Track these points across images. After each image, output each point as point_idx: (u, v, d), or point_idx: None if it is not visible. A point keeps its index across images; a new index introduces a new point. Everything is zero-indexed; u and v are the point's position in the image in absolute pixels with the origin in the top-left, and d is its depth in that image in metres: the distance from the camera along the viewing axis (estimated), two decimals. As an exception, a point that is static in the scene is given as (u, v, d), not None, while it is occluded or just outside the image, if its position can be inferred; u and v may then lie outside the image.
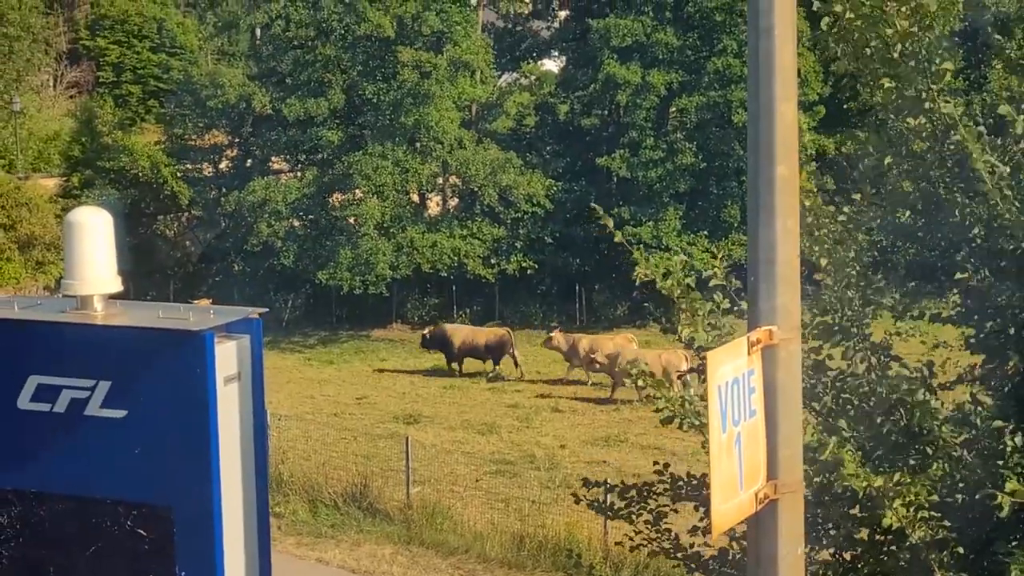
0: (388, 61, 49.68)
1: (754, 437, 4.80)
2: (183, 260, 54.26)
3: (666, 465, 10.50)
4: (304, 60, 50.04)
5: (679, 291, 8.43)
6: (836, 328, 8.23)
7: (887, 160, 8.74)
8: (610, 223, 9.44)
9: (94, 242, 6.01)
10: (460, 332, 42.49)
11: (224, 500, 5.80)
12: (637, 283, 8.97)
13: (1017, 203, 8.02)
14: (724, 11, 48.62)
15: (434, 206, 53.00)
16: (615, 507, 10.78)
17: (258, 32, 56.60)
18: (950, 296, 9.07)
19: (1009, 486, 6.74)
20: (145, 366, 5.75)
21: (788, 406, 4.97)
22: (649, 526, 10.54)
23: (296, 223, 50.25)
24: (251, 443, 6.01)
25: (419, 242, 48.42)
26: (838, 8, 8.38)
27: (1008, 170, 8.12)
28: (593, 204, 8.86)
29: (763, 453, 4.87)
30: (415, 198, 52.16)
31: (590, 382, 40.56)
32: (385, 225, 48.63)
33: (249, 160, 52.77)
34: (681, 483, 10.00)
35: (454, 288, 50.56)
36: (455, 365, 42.35)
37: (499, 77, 54.90)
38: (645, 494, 10.45)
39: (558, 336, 41.28)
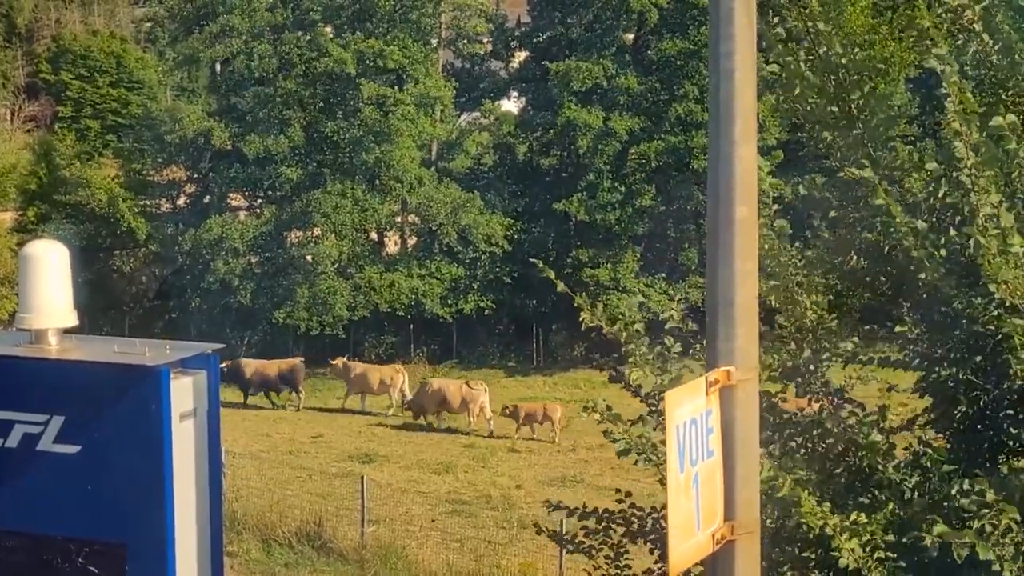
0: (349, 98, 49.71)
1: (711, 478, 4.81)
2: (139, 296, 53.97)
3: (628, 494, 10.42)
4: (264, 96, 49.98)
5: (626, 335, 8.42)
6: (793, 371, 8.26)
7: (832, 213, 8.82)
8: (551, 274, 9.43)
9: (50, 275, 5.96)
10: (251, 365, 43.05)
11: (178, 537, 5.74)
12: (583, 327, 8.96)
13: (942, 263, 8.08)
14: (685, 56, 48.88)
15: (392, 245, 52.95)
16: (576, 539, 10.68)
17: (218, 67, 56.54)
18: (895, 343, 9.14)
19: (937, 528, 6.75)
20: (100, 401, 5.68)
21: (746, 447, 4.98)
22: (609, 561, 10.47)
23: (253, 260, 50.05)
24: (206, 480, 5.95)
25: (377, 282, 48.34)
26: (773, 68, 8.48)
27: (927, 227, 8.18)
28: (534, 259, 8.73)
29: (720, 494, 4.87)
30: (373, 236, 52.08)
31: (344, 404, 42.61)
32: (343, 264, 48.57)
33: (207, 196, 52.60)
34: (640, 514, 9.96)
35: (411, 327, 50.47)
36: (277, 397, 43.41)
37: (457, 117, 55.00)
38: (606, 522, 10.37)
39: (339, 361, 43.47)
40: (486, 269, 50.01)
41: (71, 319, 6.00)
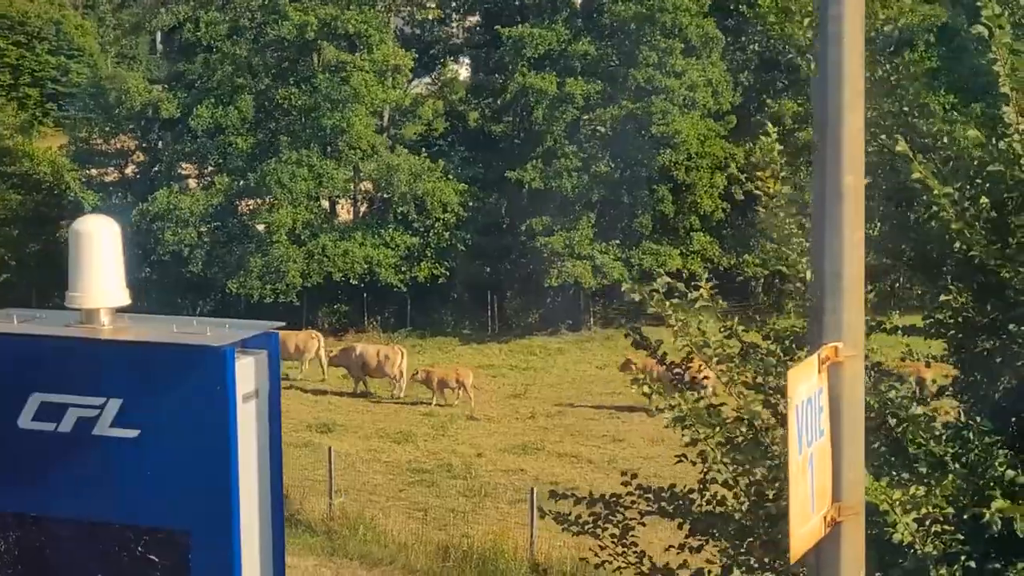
0: (302, 64, 49.16)
1: (823, 458, 4.65)
2: (88, 267, 53.09)
3: (633, 476, 10.34)
4: (213, 63, 49.23)
5: (671, 309, 8.22)
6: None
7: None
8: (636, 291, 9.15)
9: (101, 252, 5.75)
10: None
11: (242, 523, 5.53)
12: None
13: (983, 232, 7.96)
14: (639, 20, 48.51)
15: (344, 212, 52.47)
16: (580, 520, 10.58)
17: (159, 35, 55.72)
18: (926, 311, 9.03)
19: (996, 504, 6.66)
20: (161, 383, 5.47)
21: (852, 426, 4.82)
22: (615, 540, 10.38)
23: (203, 229, 49.39)
24: (267, 464, 5.75)
25: (331, 250, 47.90)
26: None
27: (964, 196, 8.05)
28: (627, 283, 8.22)
29: (830, 475, 4.72)
30: (324, 204, 51.57)
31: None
32: (297, 232, 48.12)
33: (157, 166, 51.83)
34: (650, 495, 9.84)
35: (365, 296, 50.11)
36: None
37: (408, 82, 54.51)
38: (613, 506, 10.29)
39: None
40: (440, 237, 49.68)
41: (124, 298, 5.79)
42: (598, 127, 49.52)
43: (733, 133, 50.02)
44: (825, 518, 4.65)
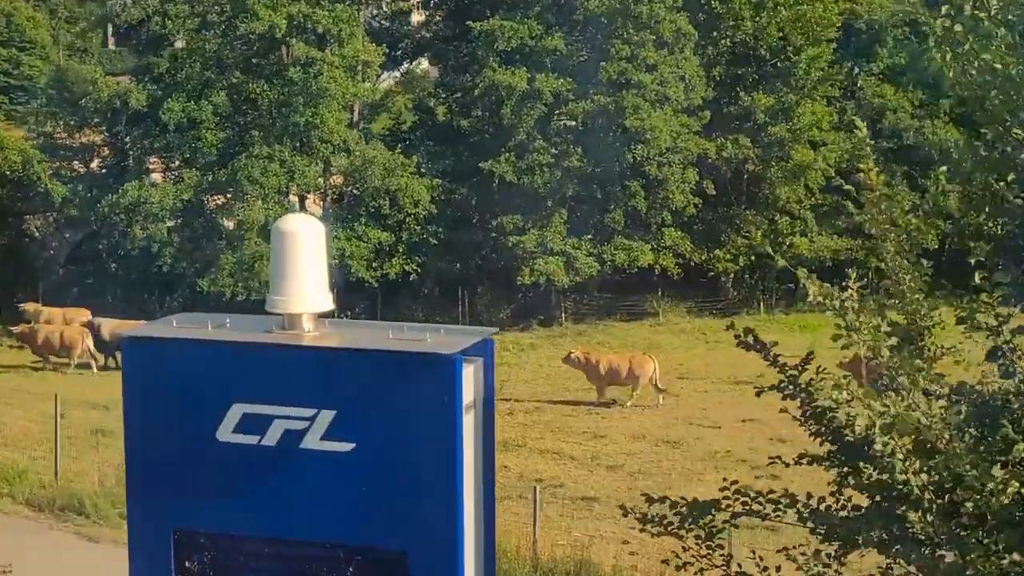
0: (272, 60, 48.60)
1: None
2: (51, 261, 52.34)
3: (734, 482, 10.11)
4: (181, 57, 48.62)
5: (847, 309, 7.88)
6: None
7: (1012, 177, 8.41)
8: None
9: (305, 254, 5.33)
10: (109, 325, 40.46)
11: (464, 545, 5.19)
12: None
13: None
14: (613, 13, 48.27)
15: (314, 207, 52.03)
16: (666, 521, 10.32)
17: (110, 29, 55.02)
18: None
19: None
20: (381, 393, 5.09)
21: None
22: (700, 542, 10.14)
23: (171, 224, 48.76)
24: (482, 481, 5.39)
25: (304, 243, 47.37)
26: (957, 27, 8.05)
27: None
28: (807, 280, 7.66)
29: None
30: (293, 199, 51.08)
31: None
32: (268, 228, 47.55)
33: (125, 160, 51.06)
34: (747, 498, 9.60)
35: (336, 291, 49.57)
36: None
37: (377, 77, 54.16)
38: (709, 510, 10.05)
39: (30, 306, 43.27)
40: (412, 231, 49.31)
41: (327, 303, 5.40)
42: (568, 121, 49.31)
43: (706, 128, 49.98)
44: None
